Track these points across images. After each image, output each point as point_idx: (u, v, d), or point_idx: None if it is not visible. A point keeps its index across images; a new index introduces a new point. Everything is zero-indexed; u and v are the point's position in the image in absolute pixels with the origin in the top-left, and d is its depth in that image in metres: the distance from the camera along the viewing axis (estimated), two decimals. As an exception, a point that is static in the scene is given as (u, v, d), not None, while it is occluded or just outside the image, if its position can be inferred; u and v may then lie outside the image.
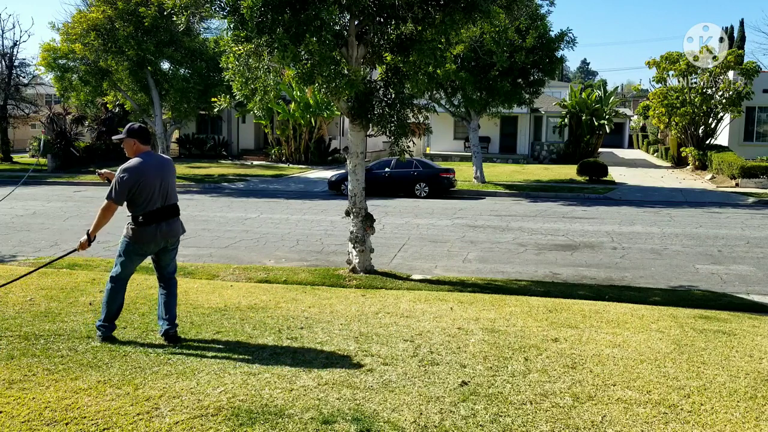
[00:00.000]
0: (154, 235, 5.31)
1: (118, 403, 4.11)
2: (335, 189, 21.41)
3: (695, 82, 28.54)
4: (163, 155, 5.66)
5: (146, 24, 21.81)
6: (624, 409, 4.23)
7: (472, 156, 24.87)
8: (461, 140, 37.72)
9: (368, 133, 11.37)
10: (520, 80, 21.60)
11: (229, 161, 34.74)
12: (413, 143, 10.40)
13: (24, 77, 35.22)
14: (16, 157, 33.86)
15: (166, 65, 25.06)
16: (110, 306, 5.41)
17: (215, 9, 8.54)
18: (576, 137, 36.12)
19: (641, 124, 48.01)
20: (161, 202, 5.33)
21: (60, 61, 23.71)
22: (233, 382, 4.53)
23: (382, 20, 8.89)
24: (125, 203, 5.27)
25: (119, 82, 24.25)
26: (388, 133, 9.49)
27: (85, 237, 5.32)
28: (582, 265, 10.77)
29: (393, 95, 9.40)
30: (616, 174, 27.41)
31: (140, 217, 5.25)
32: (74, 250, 5.63)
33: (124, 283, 5.47)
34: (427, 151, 37.21)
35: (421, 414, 4.08)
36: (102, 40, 22.21)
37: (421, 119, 10.96)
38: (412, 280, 9.20)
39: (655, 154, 40.94)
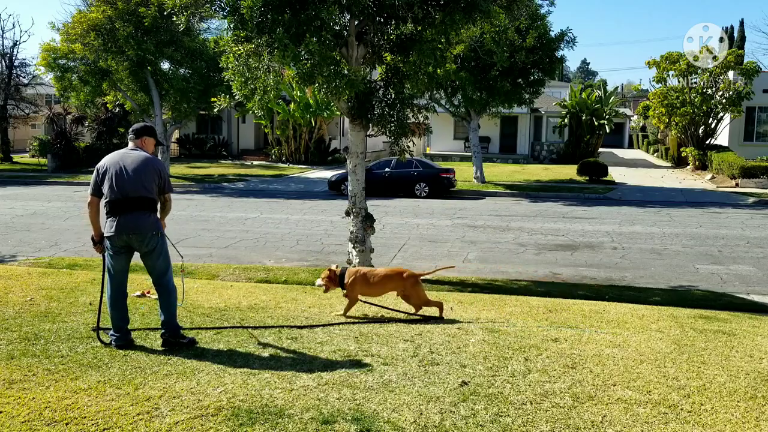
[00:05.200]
0: (111, 228, 5.18)
1: (118, 403, 4.11)
2: (335, 189, 21.41)
3: (695, 82, 28.54)
4: (138, 151, 5.37)
5: (146, 24, 21.80)
6: (624, 409, 4.23)
7: (472, 156, 24.88)
8: (461, 140, 37.71)
9: (368, 133, 11.37)
10: (520, 80, 21.60)
11: (229, 161, 34.73)
12: (413, 143, 10.41)
13: (24, 77, 35.20)
14: (16, 157, 33.85)
15: (166, 65, 25.05)
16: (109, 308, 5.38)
17: (215, 9, 8.54)
18: (576, 137, 36.11)
19: (641, 124, 47.99)
20: (118, 194, 5.15)
21: (60, 61, 23.70)
22: (233, 382, 4.53)
23: (382, 20, 8.89)
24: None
25: (119, 82, 24.24)
26: (388, 133, 9.49)
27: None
28: (582, 265, 10.77)
29: (393, 95, 9.40)
30: (616, 174, 27.41)
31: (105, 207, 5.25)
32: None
33: (112, 281, 5.30)
34: (427, 151, 37.21)
35: (421, 414, 4.08)
36: (102, 40, 22.20)
37: (421, 119, 10.96)
38: (412, 280, 9.19)
39: (655, 154, 40.93)
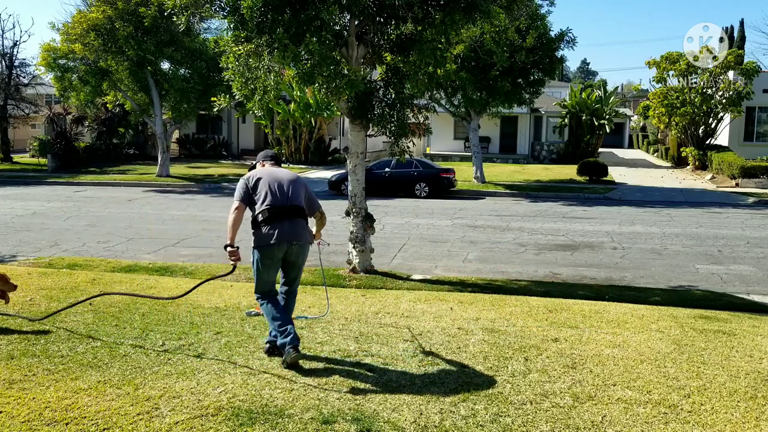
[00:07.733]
0: (271, 237, 5.28)
1: (118, 403, 4.11)
2: (335, 189, 21.40)
3: (695, 82, 28.53)
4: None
5: (146, 24, 21.81)
6: (624, 409, 4.23)
7: (472, 156, 24.87)
8: (461, 140, 37.70)
9: (368, 133, 11.37)
10: (520, 80, 21.59)
11: (230, 161, 34.72)
12: (413, 143, 10.40)
13: (24, 77, 35.17)
14: (16, 157, 33.84)
15: (166, 65, 25.05)
16: (271, 321, 5.17)
17: (215, 9, 8.54)
18: (576, 137, 36.11)
19: (641, 124, 47.99)
20: (275, 201, 5.33)
21: (60, 61, 23.69)
22: (233, 382, 4.53)
23: (382, 20, 8.89)
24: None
25: (119, 82, 24.25)
26: (388, 134, 9.49)
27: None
28: (582, 265, 10.77)
29: (393, 95, 9.40)
30: (616, 174, 27.41)
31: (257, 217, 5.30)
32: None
33: (266, 297, 5.25)
34: (427, 151, 37.20)
35: (421, 414, 4.08)
36: (102, 40, 22.19)
37: (421, 119, 10.96)
38: (412, 280, 9.19)
39: (655, 154, 40.93)
